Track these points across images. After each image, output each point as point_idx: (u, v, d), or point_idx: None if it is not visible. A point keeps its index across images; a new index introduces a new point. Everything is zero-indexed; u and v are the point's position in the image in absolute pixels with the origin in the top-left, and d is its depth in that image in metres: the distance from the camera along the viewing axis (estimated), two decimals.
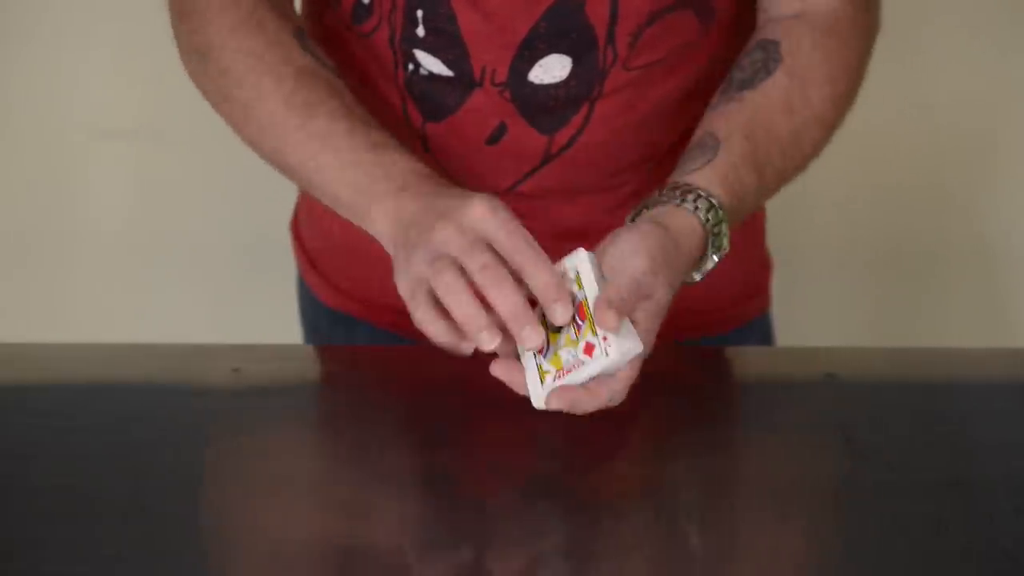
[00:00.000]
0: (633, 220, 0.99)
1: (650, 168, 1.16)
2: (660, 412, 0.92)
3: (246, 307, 1.97)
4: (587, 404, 0.89)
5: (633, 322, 0.90)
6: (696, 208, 0.96)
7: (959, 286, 2.01)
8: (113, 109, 1.93)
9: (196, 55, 1.08)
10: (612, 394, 0.89)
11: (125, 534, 0.87)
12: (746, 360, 1.09)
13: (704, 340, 1.21)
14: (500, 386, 0.93)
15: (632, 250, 0.92)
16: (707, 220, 0.96)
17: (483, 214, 0.91)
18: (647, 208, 0.98)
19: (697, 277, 0.98)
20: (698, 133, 1.04)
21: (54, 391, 1.06)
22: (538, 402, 0.89)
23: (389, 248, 0.97)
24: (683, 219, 0.96)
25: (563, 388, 0.88)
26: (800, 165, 1.06)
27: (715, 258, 0.97)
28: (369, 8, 1.09)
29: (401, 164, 0.99)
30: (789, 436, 1.00)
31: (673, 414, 0.92)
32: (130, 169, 1.95)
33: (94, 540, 0.87)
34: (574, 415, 0.90)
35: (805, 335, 1.79)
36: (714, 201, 0.96)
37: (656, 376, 0.94)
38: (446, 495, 0.91)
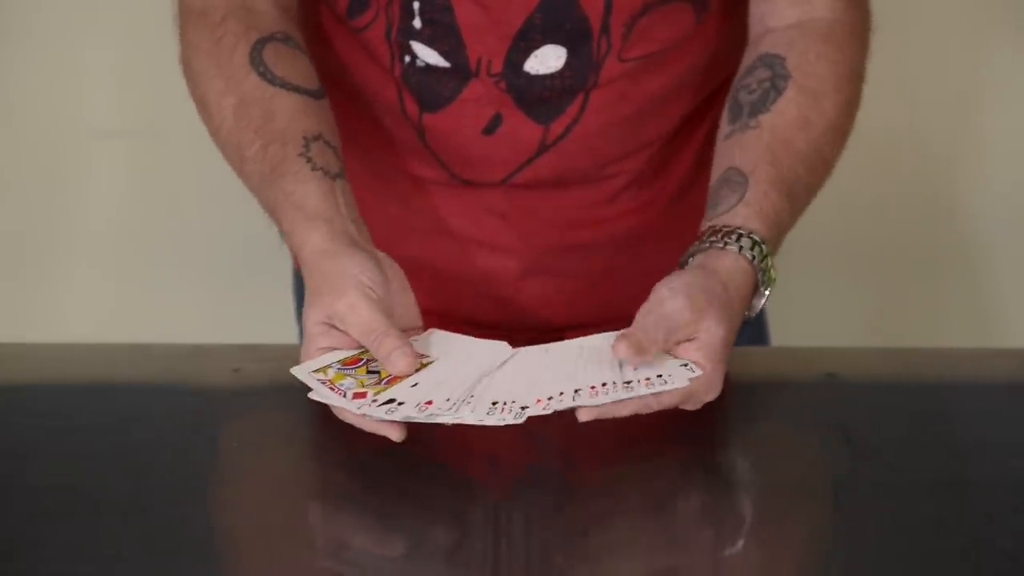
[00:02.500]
0: (680, 268, 0.99)
1: (644, 159, 1.16)
2: (660, 411, 0.92)
3: (246, 307, 1.97)
4: (619, 411, 0.90)
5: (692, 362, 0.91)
6: (740, 248, 0.96)
7: (951, 286, 2.01)
8: (112, 109, 1.92)
9: (183, 64, 1.09)
10: (641, 406, 0.90)
11: (125, 534, 0.87)
12: (746, 360, 1.09)
13: None
14: None
15: (670, 293, 0.93)
16: (753, 257, 0.96)
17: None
18: (692, 257, 0.98)
19: (752, 313, 0.98)
20: (720, 168, 1.04)
21: (54, 391, 1.06)
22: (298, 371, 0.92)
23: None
24: (730, 260, 0.96)
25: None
26: (825, 176, 1.06)
27: (766, 292, 0.98)
28: (365, 2, 1.09)
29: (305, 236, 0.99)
30: (789, 436, 1.00)
31: (673, 413, 0.92)
32: (129, 169, 1.95)
33: (94, 540, 0.87)
34: (572, 416, 0.90)
35: (799, 334, 1.79)
36: (756, 237, 0.97)
37: None
38: (446, 491, 0.92)
